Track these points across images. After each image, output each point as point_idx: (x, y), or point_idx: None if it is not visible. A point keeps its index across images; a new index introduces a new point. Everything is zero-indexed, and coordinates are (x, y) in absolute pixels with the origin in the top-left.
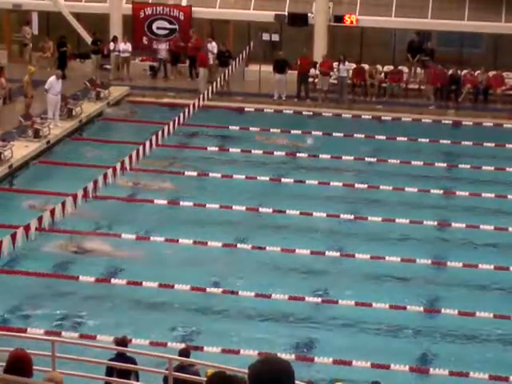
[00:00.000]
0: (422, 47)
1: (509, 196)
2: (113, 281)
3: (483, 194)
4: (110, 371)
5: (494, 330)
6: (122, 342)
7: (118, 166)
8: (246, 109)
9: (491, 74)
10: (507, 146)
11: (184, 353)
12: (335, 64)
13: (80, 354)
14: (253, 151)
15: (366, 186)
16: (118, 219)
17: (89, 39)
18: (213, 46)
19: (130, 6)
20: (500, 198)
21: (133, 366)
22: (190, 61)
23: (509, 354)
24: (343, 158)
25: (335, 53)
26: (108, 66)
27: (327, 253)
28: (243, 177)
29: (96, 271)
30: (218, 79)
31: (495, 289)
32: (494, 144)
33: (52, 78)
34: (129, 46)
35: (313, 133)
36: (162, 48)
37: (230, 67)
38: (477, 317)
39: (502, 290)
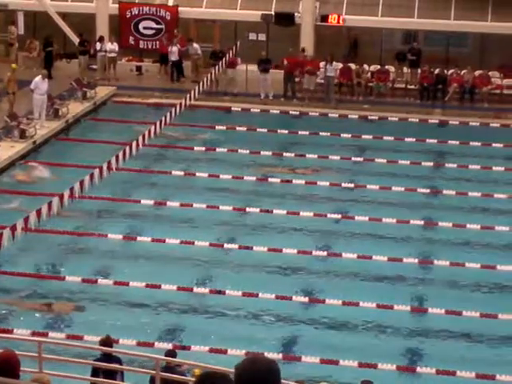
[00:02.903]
0: (408, 48)
1: (495, 195)
2: (100, 281)
3: (470, 193)
4: (96, 371)
5: (480, 328)
6: (107, 341)
7: (105, 166)
8: (232, 108)
9: (477, 73)
10: (493, 145)
11: (170, 354)
12: (323, 64)
13: (67, 355)
14: (239, 150)
15: (352, 185)
16: (103, 218)
17: (75, 39)
18: (195, 48)
19: (117, 5)
20: (486, 196)
21: (119, 366)
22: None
23: (495, 352)
24: (330, 157)
25: (322, 52)
26: (94, 66)
27: (314, 252)
28: (230, 176)
29: (83, 271)
30: (205, 79)
31: (482, 288)
32: (480, 143)
33: (37, 78)
34: (115, 46)
35: (300, 132)
36: (174, 51)
37: (217, 67)
38: (463, 316)
39: (488, 289)
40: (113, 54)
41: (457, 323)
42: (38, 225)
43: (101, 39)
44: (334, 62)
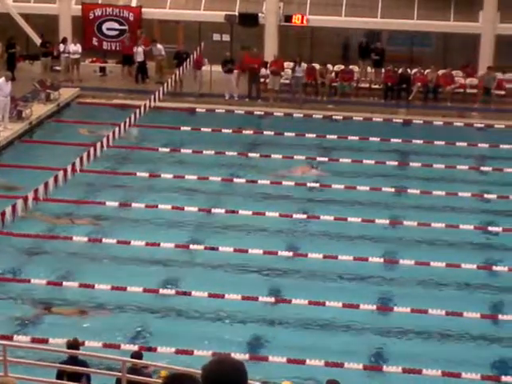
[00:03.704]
0: (372, 47)
1: (459, 193)
2: (65, 283)
3: (434, 192)
4: (60, 374)
5: (446, 326)
6: (74, 343)
7: (69, 167)
8: (197, 109)
9: (441, 72)
10: (457, 143)
11: (136, 356)
12: (288, 64)
13: (33, 358)
14: (204, 151)
15: (317, 185)
16: (68, 221)
17: (38, 40)
18: (159, 49)
19: (80, 7)
20: (451, 195)
21: (85, 368)
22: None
23: (461, 350)
24: (295, 157)
25: (286, 53)
26: (58, 68)
27: (280, 252)
28: (195, 177)
29: (48, 273)
30: (169, 80)
31: (447, 286)
32: (444, 142)
33: (1, 80)
34: (79, 48)
35: (264, 133)
36: (140, 51)
37: (182, 68)
38: (429, 314)
39: (453, 287)
40: (76, 56)
41: (422, 322)
42: (1, 227)
43: (64, 40)
44: (303, 64)
